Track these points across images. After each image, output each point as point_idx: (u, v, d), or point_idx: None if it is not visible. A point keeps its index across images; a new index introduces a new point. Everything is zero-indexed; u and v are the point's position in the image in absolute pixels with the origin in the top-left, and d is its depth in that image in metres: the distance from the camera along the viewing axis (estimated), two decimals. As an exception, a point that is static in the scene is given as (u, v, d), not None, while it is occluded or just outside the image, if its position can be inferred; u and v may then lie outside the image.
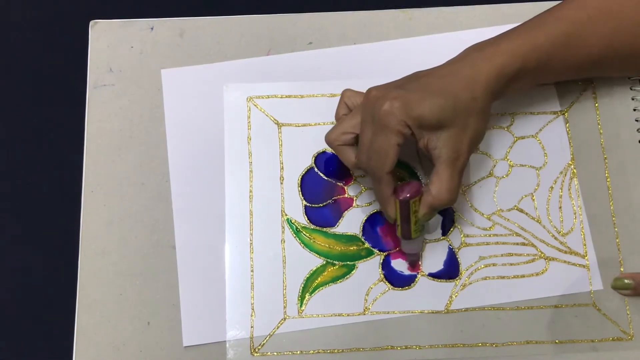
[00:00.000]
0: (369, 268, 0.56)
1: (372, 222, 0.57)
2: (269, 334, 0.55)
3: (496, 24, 0.62)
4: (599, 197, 0.58)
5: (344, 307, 0.55)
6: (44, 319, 0.57)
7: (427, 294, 0.56)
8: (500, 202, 0.58)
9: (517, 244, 0.57)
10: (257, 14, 0.63)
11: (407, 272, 0.56)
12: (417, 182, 0.53)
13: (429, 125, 0.50)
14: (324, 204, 0.58)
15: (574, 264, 0.57)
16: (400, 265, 0.56)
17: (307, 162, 0.59)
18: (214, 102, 0.60)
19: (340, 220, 0.57)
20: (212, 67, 0.61)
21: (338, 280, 0.56)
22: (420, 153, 0.58)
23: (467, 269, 0.56)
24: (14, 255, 0.59)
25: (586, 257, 0.57)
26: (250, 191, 0.58)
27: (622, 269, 0.56)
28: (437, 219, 0.57)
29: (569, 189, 0.58)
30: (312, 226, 0.57)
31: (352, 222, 0.57)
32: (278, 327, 0.55)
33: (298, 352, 0.54)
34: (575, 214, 0.58)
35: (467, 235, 0.57)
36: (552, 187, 0.58)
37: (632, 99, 0.60)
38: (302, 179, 0.58)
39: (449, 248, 0.57)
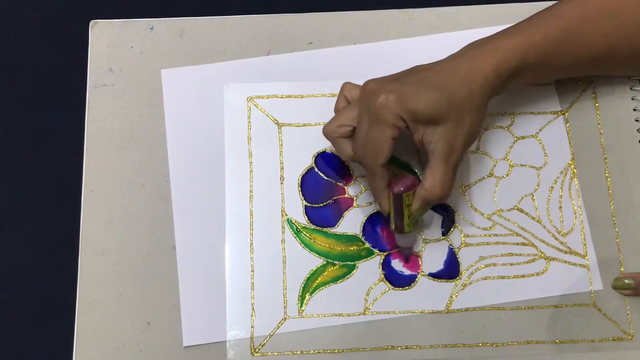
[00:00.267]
0: (369, 268, 0.56)
1: (372, 222, 0.57)
2: (269, 334, 0.55)
3: (496, 24, 0.61)
4: (599, 197, 0.58)
5: (344, 307, 0.55)
6: (44, 319, 0.57)
7: (427, 294, 0.56)
8: (500, 202, 0.58)
9: (518, 244, 0.57)
10: (257, 14, 0.63)
11: (407, 272, 0.56)
12: (412, 177, 0.53)
13: (423, 119, 0.50)
14: (324, 204, 0.58)
15: (574, 264, 0.57)
16: (400, 265, 0.56)
17: (307, 162, 0.59)
18: (214, 102, 0.60)
19: (340, 220, 0.57)
20: (212, 67, 0.61)
21: (338, 280, 0.56)
22: (420, 153, 0.58)
23: (467, 269, 0.56)
24: (14, 255, 0.59)
25: (586, 257, 0.57)
26: (251, 191, 0.58)
27: (622, 269, 0.56)
28: (432, 216, 0.57)
29: (569, 189, 0.58)
30: (313, 226, 0.57)
31: (352, 222, 0.57)
32: (278, 327, 0.55)
33: (298, 352, 0.54)
34: (575, 213, 0.58)
35: (468, 235, 0.57)
36: (552, 187, 0.58)
37: (632, 99, 0.60)
38: (302, 179, 0.58)
39: (449, 248, 0.57)
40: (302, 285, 0.56)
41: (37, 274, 0.58)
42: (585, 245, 0.57)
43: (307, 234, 0.57)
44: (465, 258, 0.57)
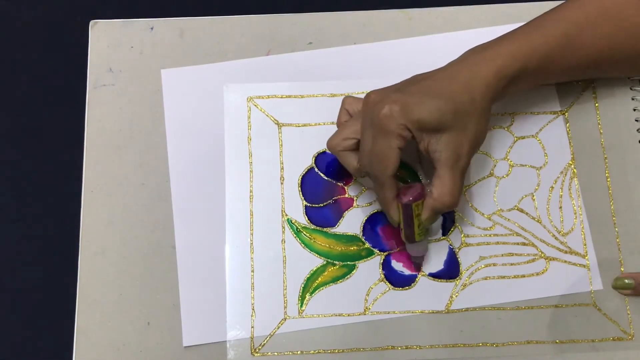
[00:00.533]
0: (370, 268, 0.56)
1: (372, 222, 0.57)
2: (270, 334, 0.55)
3: (496, 24, 0.62)
4: (599, 197, 0.58)
5: (345, 307, 0.55)
6: (44, 319, 0.57)
7: (427, 294, 0.56)
8: (500, 202, 0.58)
9: (518, 243, 0.57)
10: (257, 14, 0.63)
11: (407, 272, 0.56)
12: (419, 185, 0.53)
13: (429, 128, 0.50)
14: (325, 204, 0.58)
15: (574, 264, 0.57)
16: (400, 265, 0.56)
17: (308, 162, 0.59)
18: (214, 102, 0.60)
19: (340, 221, 0.57)
20: (212, 67, 0.61)
21: (338, 280, 0.56)
22: (421, 154, 0.58)
23: (467, 269, 0.56)
24: (14, 255, 0.59)
25: (586, 257, 0.57)
26: (251, 191, 0.58)
27: (622, 269, 0.56)
28: (438, 220, 0.57)
29: (569, 189, 0.58)
30: (313, 226, 0.57)
31: (352, 222, 0.57)
32: (278, 327, 0.55)
33: (298, 352, 0.54)
34: (575, 213, 0.58)
35: (468, 235, 0.57)
36: (552, 187, 0.58)
37: (632, 99, 0.61)
38: (302, 179, 0.58)
39: (449, 248, 0.57)
40: (302, 285, 0.56)
41: (37, 274, 0.58)
42: (585, 245, 0.57)
43: (307, 234, 0.57)
44: (465, 258, 0.57)
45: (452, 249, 0.57)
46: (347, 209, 0.58)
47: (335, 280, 0.56)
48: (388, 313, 0.55)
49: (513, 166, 0.59)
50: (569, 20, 0.53)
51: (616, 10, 0.54)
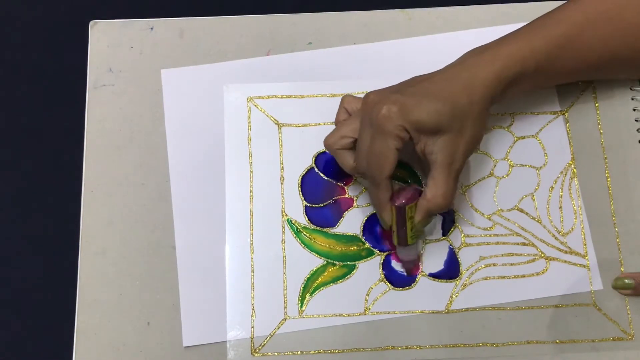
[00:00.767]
0: (370, 268, 0.56)
1: (372, 222, 0.57)
2: (270, 334, 0.55)
3: (496, 24, 0.62)
4: (599, 197, 0.58)
5: (345, 308, 0.55)
6: (44, 319, 0.57)
7: (427, 294, 0.56)
8: (500, 202, 0.58)
9: (518, 244, 0.57)
10: (257, 14, 0.63)
11: (407, 272, 0.56)
12: (413, 188, 0.53)
13: (426, 129, 0.50)
14: (325, 204, 0.58)
15: (574, 264, 0.57)
16: (400, 265, 0.56)
17: (308, 162, 0.59)
18: (214, 102, 0.60)
19: (340, 221, 0.57)
20: (212, 67, 0.61)
21: (338, 280, 0.56)
22: (417, 160, 0.58)
23: (467, 269, 0.56)
24: (14, 255, 0.59)
25: (586, 257, 0.57)
26: (251, 191, 0.58)
27: (622, 269, 0.56)
28: (435, 220, 0.57)
29: (569, 189, 0.58)
30: (313, 226, 0.57)
31: (352, 222, 0.57)
32: (279, 328, 0.55)
33: (299, 353, 0.54)
34: (575, 213, 0.58)
35: (468, 235, 0.57)
36: (552, 187, 0.58)
37: (632, 99, 0.61)
38: (302, 179, 0.58)
39: (450, 248, 0.57)
40: (303, 286, 0.56)
41: (37, 274, 0.58)
42: (585, 245, 0.57)
43: (307, 234, 0.57)
44: (465, 258, 0.57)
45: (452, 249, 0.57)
46: (347, 209, 0.58)
47: (335, 280, 0.56)
48: (388, 313, 0.55)
49: (513, 166, 0.59)
50: (569, 22, 0.53)
51: (616, 11, 0.54)
